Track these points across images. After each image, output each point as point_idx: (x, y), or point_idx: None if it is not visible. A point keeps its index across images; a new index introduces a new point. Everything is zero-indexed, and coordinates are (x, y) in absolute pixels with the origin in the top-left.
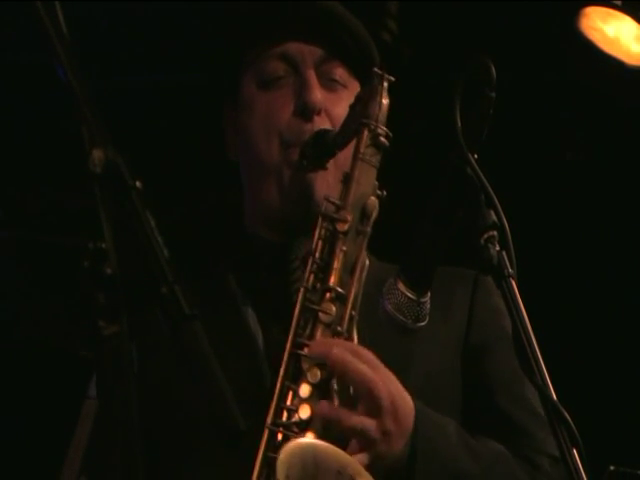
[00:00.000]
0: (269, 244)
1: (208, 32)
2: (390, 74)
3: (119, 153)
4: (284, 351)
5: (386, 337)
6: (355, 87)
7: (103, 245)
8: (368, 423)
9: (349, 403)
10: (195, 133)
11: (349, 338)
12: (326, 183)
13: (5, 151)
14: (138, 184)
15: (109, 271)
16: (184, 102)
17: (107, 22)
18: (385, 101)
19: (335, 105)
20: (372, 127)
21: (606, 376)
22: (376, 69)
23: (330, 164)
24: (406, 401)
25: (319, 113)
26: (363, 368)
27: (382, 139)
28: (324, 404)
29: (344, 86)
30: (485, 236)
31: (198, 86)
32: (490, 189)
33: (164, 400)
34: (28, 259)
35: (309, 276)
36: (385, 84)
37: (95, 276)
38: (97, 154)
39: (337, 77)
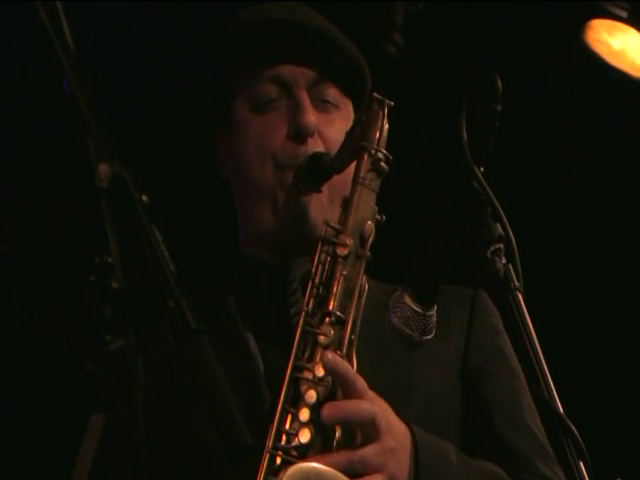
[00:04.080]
0: (266, 266)
1: (203, 53)
2: (393, 88)
3: (126, 167)
4: (284, 375)
5: (387, 359)
6: (348, 106)
7: (109, 259)
8: (369, 451)
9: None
10: (202, 148)
11: (349, 362)
12: (320, 206)
13: (12, 164)
14: (145, 198)
15: (115, 285)
16: (191, 117)
17: (111, 37)
18: (385, 126)
19: (328, 126)
20: (372, 152)
21: (613, 388)
22: (376, 94)
23: (324, 187)
24: (397, 419)
25: (312, 135)
26: (348, 404)
27: (382, 164)
28: (323, 457)
29: (337, 106)
30: (491, 249)
31: (203, 101)
32: (496, 202)
33: (169, 415)
34: (34, 273)
35: (309, 300)
36: (385, 109)
37: (101, 290)
38: (103, 168)
39: (330, 98)
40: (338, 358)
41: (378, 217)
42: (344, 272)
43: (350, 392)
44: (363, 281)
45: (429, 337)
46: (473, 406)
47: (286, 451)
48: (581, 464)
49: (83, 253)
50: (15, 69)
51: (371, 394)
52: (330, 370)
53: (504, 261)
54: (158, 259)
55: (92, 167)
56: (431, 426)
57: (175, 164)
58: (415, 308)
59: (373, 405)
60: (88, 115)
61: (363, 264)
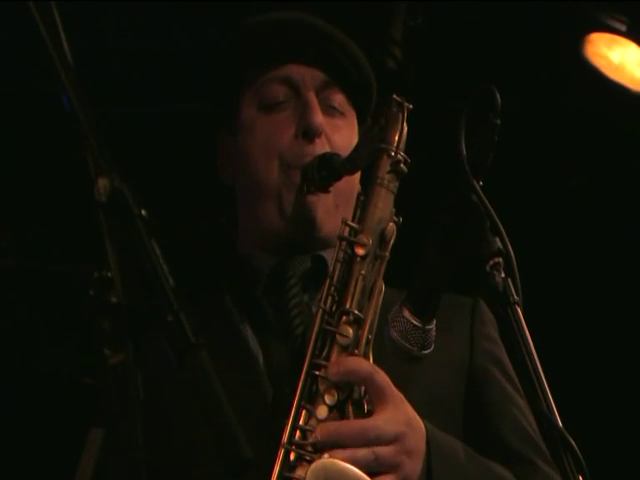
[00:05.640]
0: (265, 262)
1: (212, 54)
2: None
3: (125, 181)
4: (301, 371)
5: (392, 360)
6: (353, 117)
7: (109, 273)
8: (387, 450)
9: None
10: (200, 161)
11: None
12: (326, 207)
13: (10, 178)
14: (144, 212)
15: (114, 299)
16: (192, 130)
17: (110, 51)
18: (405, 129)
19: (334, 132)
20: (392, 153)
21: (612, 402)
22: (395, 96)
23: (330, 192)
24: (418, 421)
25: (320, 136)
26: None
27: (402, 166)
28: (341, 452)
29: (343, 114)
30: (490, 263)
31: (204, 114)
32: (495, 216)
33: (169, 429)
34: (33, 287)
35: (327, 298)
36: (405, 112)
37: (100, 304)
38: (102, 182)
39: (336, 104)
40: (348, 360)
41: (395, 219)
42: (362, 272)
43: (371, 393)
44: (381, 281)
45: (428, 351)
46: (476, 412)
47: (302, 447)
48: (580, 478)
49: (82, 267)
50: (15, 83)
51: (392, 390)
52: (342, 376)
53: (503, 275)
54: (157, 273)
55: (91, 181)
56: (434, 424)
57: (175, 178)
58: (414, 322)
59: (397, 409)
60: (87, 129)
61: (383, 265)
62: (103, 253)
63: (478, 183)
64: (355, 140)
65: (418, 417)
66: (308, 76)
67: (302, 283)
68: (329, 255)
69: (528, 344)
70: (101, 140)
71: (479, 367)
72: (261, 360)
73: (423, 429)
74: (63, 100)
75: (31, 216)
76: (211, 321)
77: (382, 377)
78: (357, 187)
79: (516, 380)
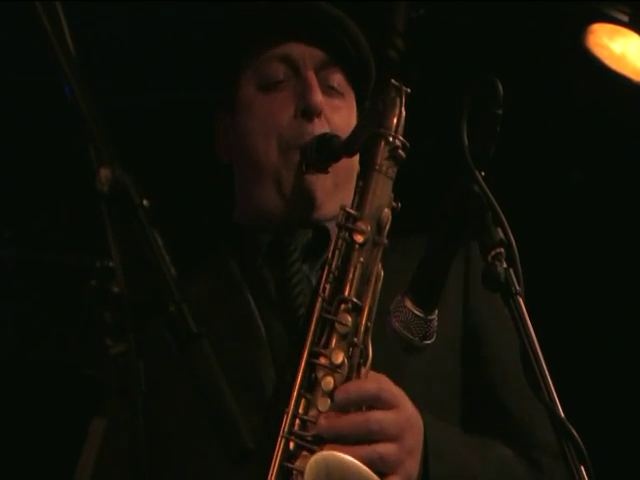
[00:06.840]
0: (266, 235)
1: (211, 34)
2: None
3: (126, 172)
4: (300, 360)
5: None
6: (351, 97)
7: (110, 264)
8: (389, 449)
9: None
10: (200, 150)
11: (364, 349)
12: (325, 187)
13: (12, 169)
14: (145, 202)
15: (116, 290)
16: (191, 119)
17: (112, 41)
18: (403, 113)
19: (334, 112)
20: (390, 139)
21: (614, 392)
22: (394, 80)
23: (329, 171)
24: (417, 417)
25: (319, 116)
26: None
27: (400, 152)
28: (343, 448)
29: (342, 95)
30: (492, 253)
31: (205, 102)
32: (497, 206)
33: (171, 419)
34: (34, 277)
35: (325, 286)
36: (403, 96)
37: (102, 295)
38: (104, 173)
39: (335, 84)
40: (351, 386)
41: (394, 204)
42: (361, 259)
43: (380, 406)
44: (379, 268)
45: (430, 342)
46: (475, 373)
47: (302, 438)
48: (582, 468)
49: (84, 258)
50: (16, 73)
51: (397, 397)
52: (352, 403)
53: (505, 265)
54: (159, 263)
55: (93, 171)
56: (432, 398)
57: (176, 168)
58: (416, 312)
59: (401, 409)
60: (89, 119)
61: (380, 251)
62: (105, 243)
63: (480, 174)
64: (354, 120)
65: (417, 413)
66: (308, 55)
67: (303, 257)
68: (331, 225)
69: (530, 334)
70: (103, 130)
71: (478, 323)
72: (264, 338)
73: (421, 425)
74: (65, 90)
75: (33, 207)
76: (217, 289)
77: (388, 390)
78: (357, 166)
79: None
